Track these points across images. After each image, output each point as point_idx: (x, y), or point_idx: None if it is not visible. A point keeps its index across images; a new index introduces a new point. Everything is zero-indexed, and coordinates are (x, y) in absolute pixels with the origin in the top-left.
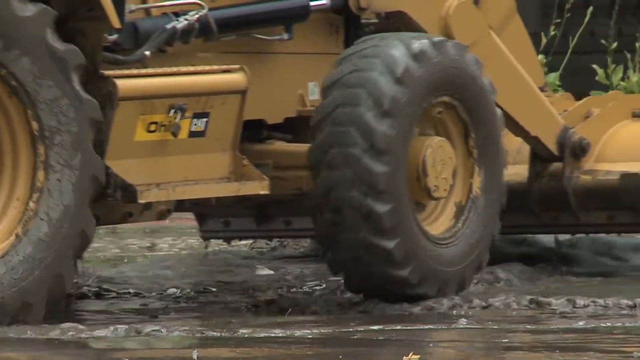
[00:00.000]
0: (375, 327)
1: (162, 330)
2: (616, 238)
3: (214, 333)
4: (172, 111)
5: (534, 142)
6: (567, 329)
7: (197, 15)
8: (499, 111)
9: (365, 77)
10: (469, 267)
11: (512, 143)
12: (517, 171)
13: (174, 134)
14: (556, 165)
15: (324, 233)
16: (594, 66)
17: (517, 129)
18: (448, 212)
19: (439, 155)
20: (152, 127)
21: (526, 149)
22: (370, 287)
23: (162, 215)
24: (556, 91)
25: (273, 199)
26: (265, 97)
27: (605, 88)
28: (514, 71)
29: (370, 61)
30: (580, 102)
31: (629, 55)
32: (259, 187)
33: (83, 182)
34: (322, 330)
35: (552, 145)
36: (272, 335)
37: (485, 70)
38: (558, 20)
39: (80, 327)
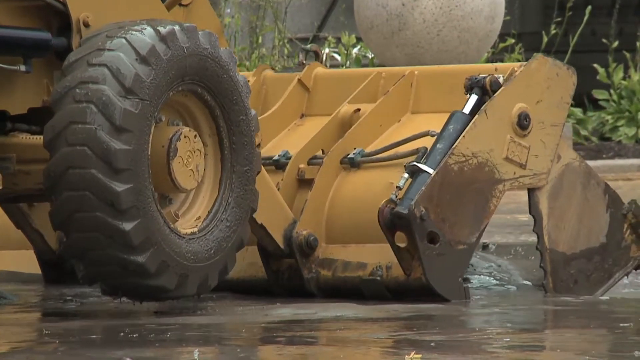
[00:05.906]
0: (376, 327)
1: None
2: None
3: (219, 334)
4: None
5: (260, 232)
6: None
7: None
8: (253, 112)
9: (109, 55)
10: (213, 266)
11: None
12: (252, 260)
13: None
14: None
15: (59, 214)
16: (595, 65)
17: None
18: (197, 208)
19: (186, 146)
20: None
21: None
22: (106, 273)
23: None
24: None
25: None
26: (6, 87)
27: (607, 87)
28: None
29: (116, 41)
30: (286, 169)
31: (629, 55)
32: None
33: None
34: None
35: (279, 239)
36: (275, 335)
37: None
38: (559, 19)
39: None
